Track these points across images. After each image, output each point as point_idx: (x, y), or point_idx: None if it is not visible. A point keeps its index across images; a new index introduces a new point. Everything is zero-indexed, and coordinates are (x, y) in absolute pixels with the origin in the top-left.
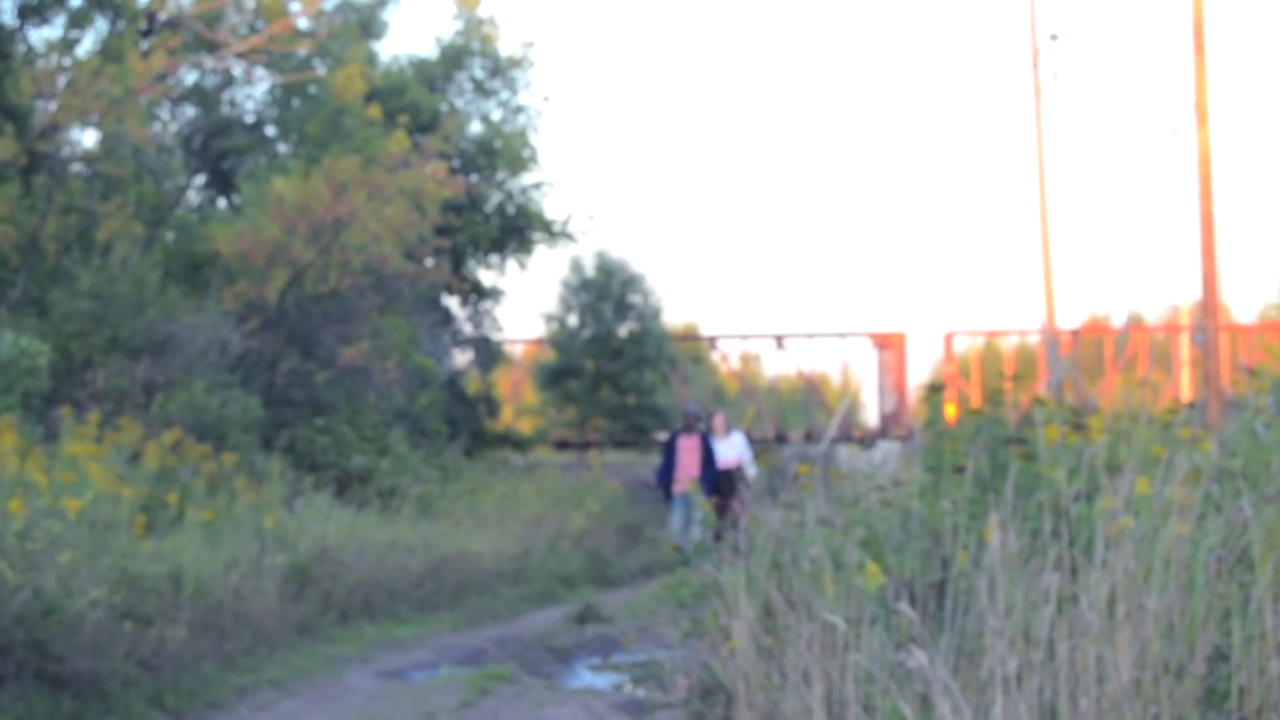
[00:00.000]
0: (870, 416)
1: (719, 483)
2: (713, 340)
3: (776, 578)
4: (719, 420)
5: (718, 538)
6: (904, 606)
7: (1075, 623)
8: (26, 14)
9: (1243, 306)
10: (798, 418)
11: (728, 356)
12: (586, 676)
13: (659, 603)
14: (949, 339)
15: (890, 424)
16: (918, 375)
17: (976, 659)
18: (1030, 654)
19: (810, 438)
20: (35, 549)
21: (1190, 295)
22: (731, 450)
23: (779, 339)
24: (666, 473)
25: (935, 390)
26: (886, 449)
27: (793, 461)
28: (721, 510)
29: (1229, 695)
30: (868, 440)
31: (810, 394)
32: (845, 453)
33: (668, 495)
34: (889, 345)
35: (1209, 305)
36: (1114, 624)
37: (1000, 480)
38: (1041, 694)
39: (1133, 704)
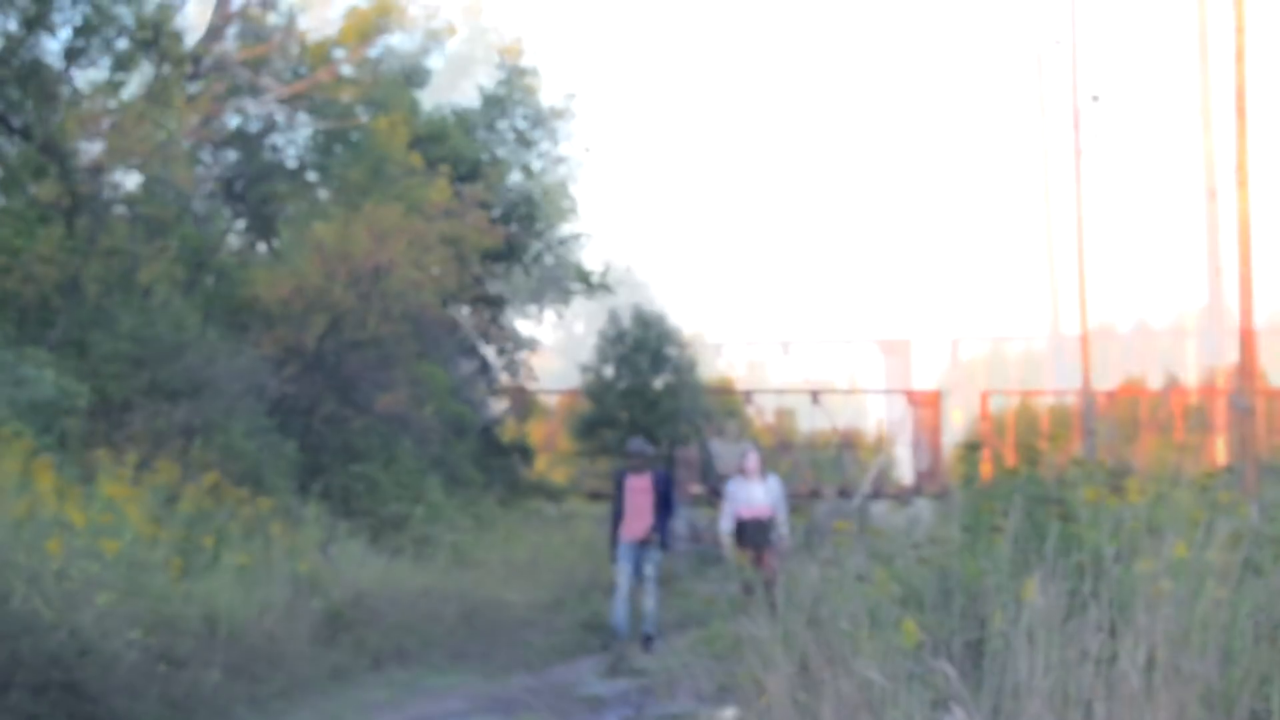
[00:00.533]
0: (904, 473)
1: (750, 534)
2: (748, 395)
3: (812, 633)
4: (752, 460)
5: (748, 591)
6: (943, 664)
7: (1114, 684)
8: (73, 56)
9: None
10: (832, 473)
11: (762, 410)
12: None
13: (692, 655)
14: (984, 397)
15: (924, 481)
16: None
17: (1014, 718)
18: (1068, 714)
19: (844, 493)
20: (72, 589)
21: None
22: (766, 496)
23: (814, 393)
24: (616, 520)
25: (973, 449)
26: (921, 506)
27: (829, 517)
28: (754, 565)
29: None
30: (904, 497)
31: (844, 449)
32: (880, 509)
33: (615, 553)
34: (924, 404)
35: (1247, 368)
36: (1152, 686)
37: (1038, 540)
38: None
39: None
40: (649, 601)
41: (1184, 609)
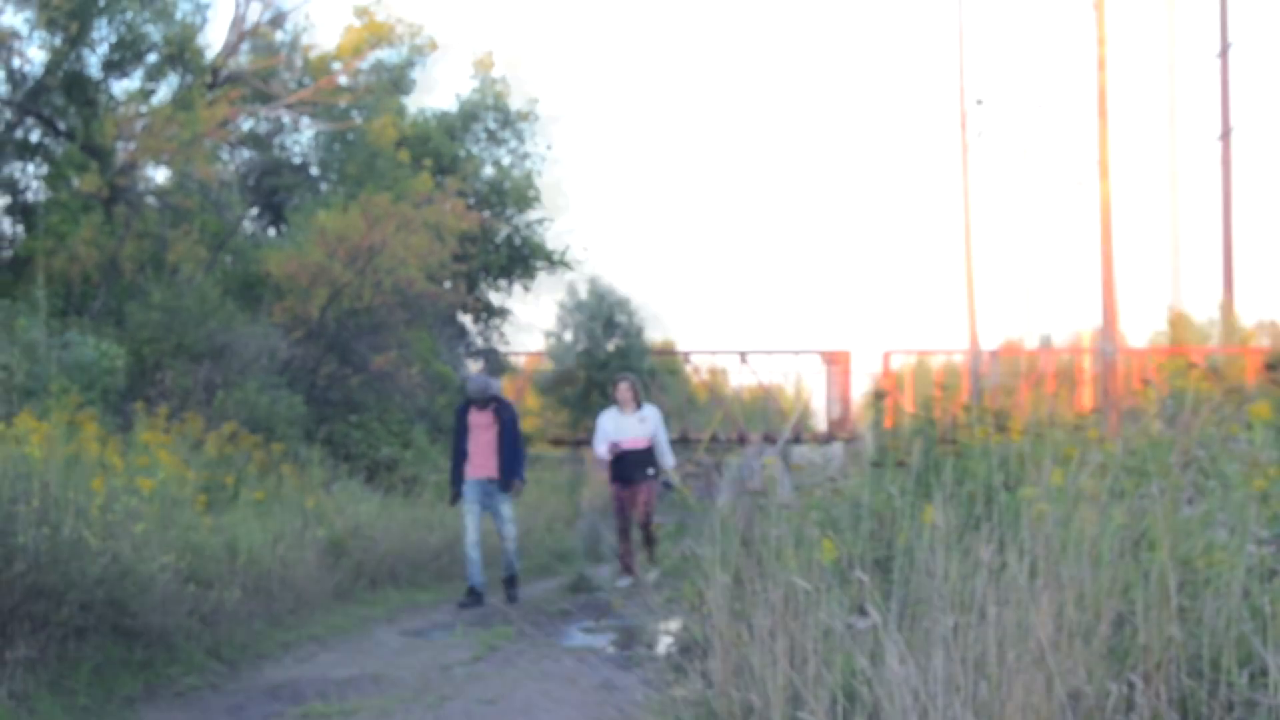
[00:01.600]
0: (819, 421)
1: (622, 467)
2: (686, 355)
3: (746, 553)
4: (624, 389)
5: (623, 531)
6: (860, 574)
7: (1003, 590)
8: (110, 68)
9: (1134, 333)
10: (757, 422)
11: (699, 369)
12: (580, 637)
13: (640, 575)
14: (887, 356)
15: (836, 428)
16: (860, 387)
17: (917, 621)
18: (964, 616)
19: (768, 439)
20: (114, 520)
21: (1091, 322)
22: (641, 427)
23: (743, 354)
24: (459, 462)
25: (879, 397)
26: (835, 448)
27: (756, 458)
28: (626, 502)
29: (1129, 654)
30: (822, 439)
31: (768, 402)
32: (800, 451)
33: (456, 488)
34: (836, 361)
35: (1108, 330)
36: (1035, 591)
37: (935, 473)
38: (973, 649)
39: (1051, 659)
40: (508, 544)
41: (1061, 528)
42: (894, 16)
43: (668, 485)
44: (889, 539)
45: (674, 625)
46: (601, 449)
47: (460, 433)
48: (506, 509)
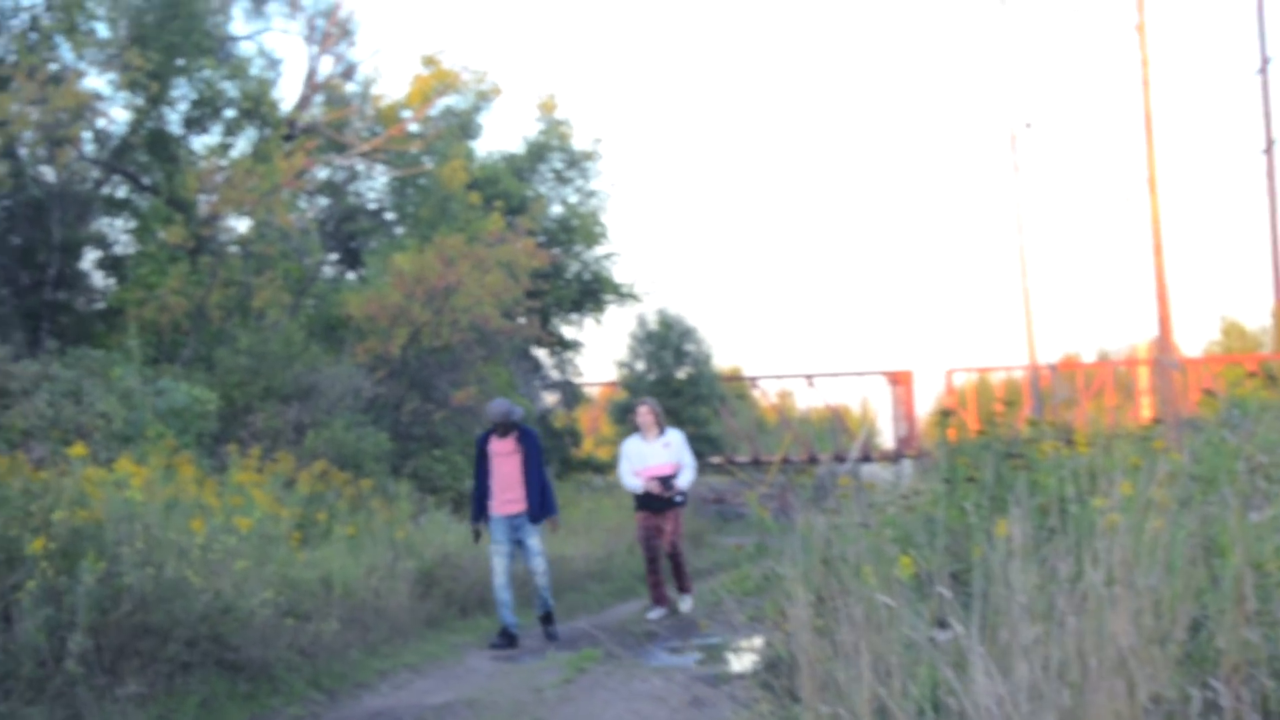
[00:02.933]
0: (886, 440)
1: (649, 496)
2: (754, 380)
3: (825, 570)
4: (645, 413)
5: (652, 561)
6: (941, 589)
7: (1080, 599)
8: (190, 124)
9: (1188, 342)
10: (825, 442)
11: (766, 393)
12: (665, 656)
13: (724, 594)
14: (949, 375)
15: (903, 446)
16: (924, 405)
17: (996, 632)
18: (1044, 626)
19: (838, 459)
20: (215, 559)
21: (1146, 334)
22: (666, 454)
23: (809, 377)
24: (481, 495)
25: (946, 415)
26: (904, 465)
27: (828, 477)
28: (652, 530)
29: (1207, 658)
30: (891, 458)
31: (835, 422)
32: (869, 469)
33: (480, 523)
34: (900, 381)
35: (1164, 341)
36: (1112, 599)
37: (1004, 488)
38: (1055, 658)
39: (1132, 665)
40: (539, 579)
41: (1133, 537)
42: (944, 42)
43: (668, 491)
44: (964, 553)
45: (758, 643)
46: (630, 480)
47: (480, 463)
48: (535, 542)
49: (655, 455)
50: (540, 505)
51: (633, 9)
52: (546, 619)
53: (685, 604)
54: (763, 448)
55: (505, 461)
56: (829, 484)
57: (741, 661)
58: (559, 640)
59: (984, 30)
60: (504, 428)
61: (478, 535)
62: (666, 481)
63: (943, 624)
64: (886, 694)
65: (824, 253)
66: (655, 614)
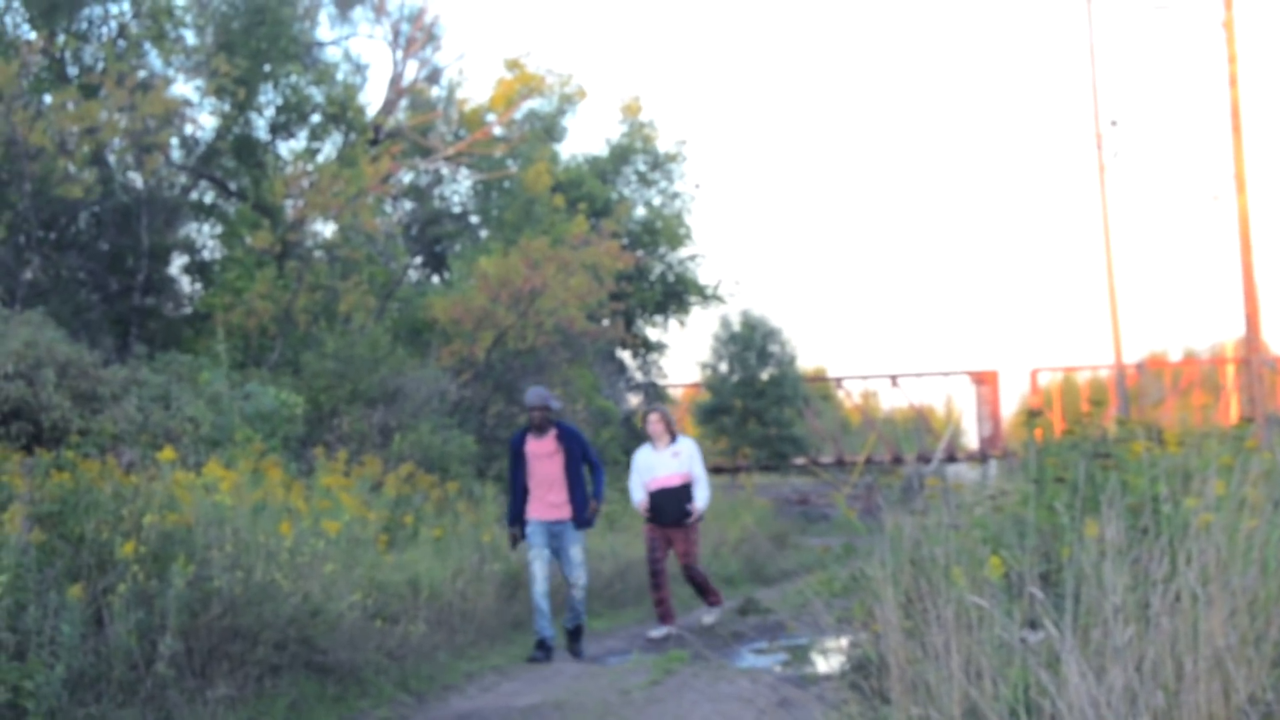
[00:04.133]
0: (970, 440)
1: (659, 508)
2: (838, 380)
3: (912, 571)
4: (655, 421)
5: (656, 575)
6: (1033, 589)
7: (1174, 600)
8: (276, 130)
9: (1277, 341)
10: (909, 443)
11: (850, 393)
12: (750, 658)
13: (809, 596)
14: (1035, 374)
15: (987, 446)
16: (1008, 405)
17: (1089, 633)
18: (1138, 626)
19: (922, 459)
20: (302, 562)
21: (1233, 332)
22: (676, 463)
23: (893, 378)
24: (518, 498)
25: (1034, 415)
26: (989, 466)
27: (914, 478)
28: (659, 543)
29: None
30: (976, 458)
31: (920, 422)
32: (954, 470)
33: (517, 528)
34: (984, 381)
35: (1252, 339)
36: (1207, 600)
37: (1093, 488)
38: (1149, 659)
39: (1230, 666)
40: (575, 592)
41: (1226, 536)
42: (1030, 41)
43: (583, 521)
44: (1053, 554)
45: (845, 644)
46: (638, 496)
47: (516, 465)
48: (576, 551)
49: (664, 465)
50: (584, 510)
51: (719, 8)
52: (575, 634)
53: (710, 616)
54: (846, 448)
55: (545, 463)
56: (916, 484)
57: (829, 662)
58: (584, 658)
59: (1070, 29)
60: (541, 427)
61: (515, 541)
62: (677, 500)
63: (1034, 625)
64: (978, 695)
65: (909, 252)
66: (658, 632)
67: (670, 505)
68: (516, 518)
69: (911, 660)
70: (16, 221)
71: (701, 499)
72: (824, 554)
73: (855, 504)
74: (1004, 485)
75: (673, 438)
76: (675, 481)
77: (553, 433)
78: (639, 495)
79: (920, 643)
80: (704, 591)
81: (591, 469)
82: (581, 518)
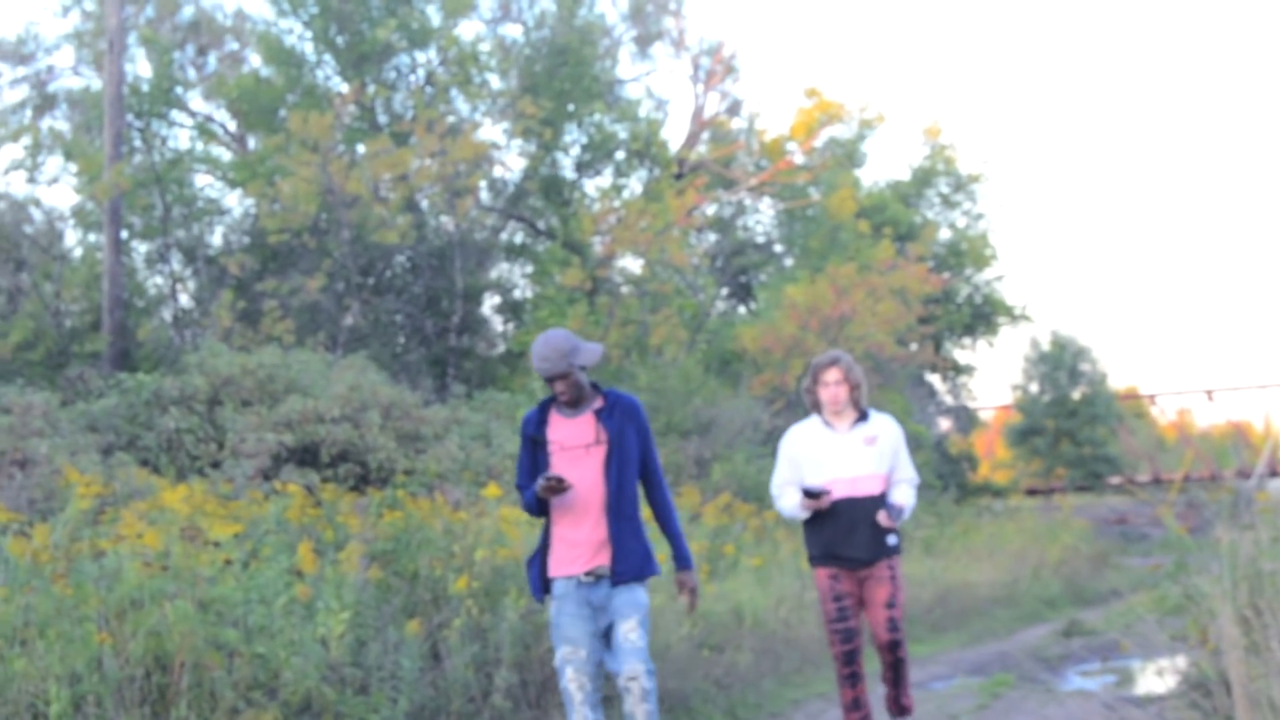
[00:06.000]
0: None
1: (837, 533)
2: (1152, 397)
3: (1248, 587)
4: (834, 382)
5: (849, 658)
6: None
7: None
8: (582, 168)
9: None
10: (1227, 459)
11: (1165, 410)
12: (1077, 681)
13: (1136, 616)
14: None
15: None
16: None
17: None
18: None
19: (1241, 474)
20: None
21: None
22: (869, 457)
23: (1209, 392)
24: (536, 508)
25: None
26: None
27: (1244, 493)
28: (849, 601)
29: None
30: None
31: (1238, 437)
32: (1275, 485)
33: (539, 587)
34: None
35: None
36: None
37: None
38: None
39: None
40: (635, 704)
41: None
42: None
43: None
44: None
45: (1179, 663)
46: (788, 499)
47: (524, 464)
48: (631, 627)
49: (849, 456)
50: (644, 554)
51: (1018, 30)
52: None
53: None
54: (1163, 466)
55: (578, 461)
56: (1245, 500)
57: (1162, 682)
58: None
59: None
60: (571, 391)
61: (539, 594)
62: (873, 519)
63: None
64: None
65: (1221, 263)
66: None
67: (862, 527)
68: (536, 560)
69: (1254, 676)
70: (336, 269)
71: (908, 499)
72: (1154, 571)
73: (1180, 522)
74: None
75: (861, 414)
76: (871, 487)
77: (595, 406)
78: (792, 502)
79: (1262, 659)
80: (899, 684)
81: (650, 479)
82: (640, 568)
